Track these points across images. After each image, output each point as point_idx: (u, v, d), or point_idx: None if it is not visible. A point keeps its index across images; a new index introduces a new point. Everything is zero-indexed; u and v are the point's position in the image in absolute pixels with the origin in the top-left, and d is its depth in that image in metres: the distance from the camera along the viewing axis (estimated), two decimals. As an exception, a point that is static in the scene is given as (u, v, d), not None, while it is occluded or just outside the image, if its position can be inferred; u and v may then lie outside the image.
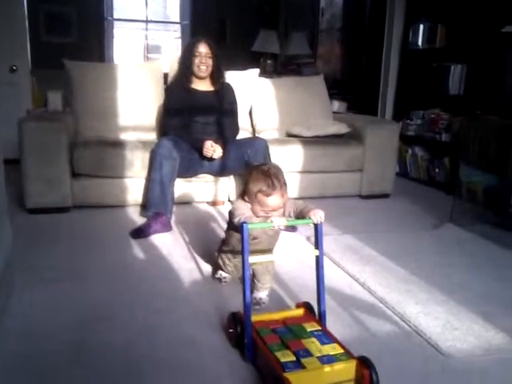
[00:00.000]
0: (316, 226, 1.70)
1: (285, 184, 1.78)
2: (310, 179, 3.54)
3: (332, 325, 1.87)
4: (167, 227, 2.85)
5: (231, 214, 1.84)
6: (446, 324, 1.85)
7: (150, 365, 1.58)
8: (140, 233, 2.75)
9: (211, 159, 3.03)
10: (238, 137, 3.28)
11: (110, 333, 1.76)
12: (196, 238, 2.79)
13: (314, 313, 1.77)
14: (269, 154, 3.03)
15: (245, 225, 1.60)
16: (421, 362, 1.64)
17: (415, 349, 1.72)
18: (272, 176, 1.75)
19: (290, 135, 3.75)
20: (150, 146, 3.07)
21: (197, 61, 3.15)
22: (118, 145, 3.23)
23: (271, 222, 1.66)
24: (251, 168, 1.86)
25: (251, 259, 1.63)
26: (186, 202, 3.35)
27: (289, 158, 3.42)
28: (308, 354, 1.48)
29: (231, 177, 3.35)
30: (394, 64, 4.79)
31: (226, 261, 2.14)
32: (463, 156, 3.69)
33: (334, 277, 2.32)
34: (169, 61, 3.75)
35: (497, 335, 1.80)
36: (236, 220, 1.75)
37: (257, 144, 3.03)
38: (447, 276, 2.34)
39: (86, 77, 3.55)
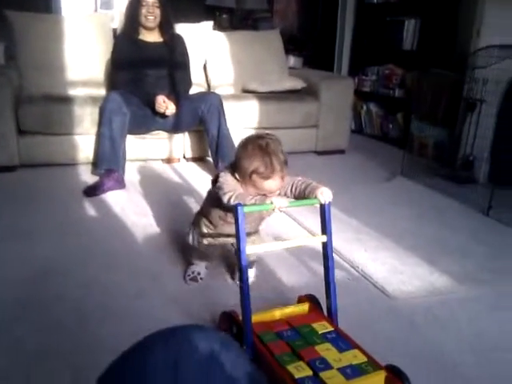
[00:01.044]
0: (323, 207, 1.43)
1: (285, 163, 1.46)
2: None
3: (284, 273, 1.92)
4: (120, 184, 2.80)
5: (218, 188, 1.49)
6: (393, 269, 1.94)
7: (104, 315, 1.58)
8: (93, 190, 2.69)
9: (164, 115, 2.96)
10: (192, 92, 3.21)
11: (60, 289, 1.74)
12: (151, 195, 2.76)
13: (320, 307, 1.53)
14: (223, 110, 2.99)
15: (239, 207, 1.30)
16: (368, 304, 1.71)
17: (363, 292, 1.79)
18: (272, 154, 1.41)
19: (245, 91, 3.70)
20: (100, 101, 2.96)
21: (144, 10, 3.03)
22: (66, 100, 3.11)
23: (271, 202, 1.36)
24: (245, 140, 1.49)
25: (250, 249, 1.36)
26: (139, 160, 3.29)
27: (244, 114, 3.39)
28: (326, 365, 1.22)
29: (186, 133, 3.29)
30: (349, 19, 4.76)
31: (204, 242, 1.76)
32: (415, 111, 3.76)
33: (287, 229, 2.37)
34: (118, 14, 3.59)
35: (440, 278, 1.89)
36: (225, 197, 1.44)
37: (210, 99, 2.98)
38: (396, 225, 2.43)
39: (30, 29, 3.35)
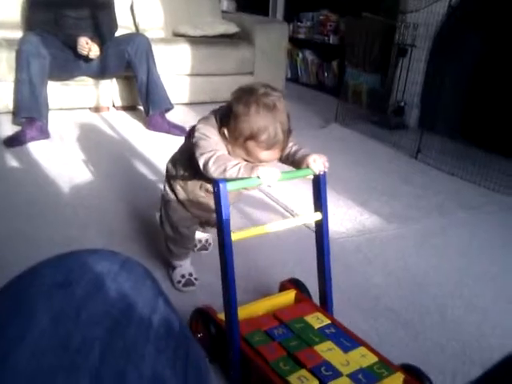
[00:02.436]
0: (317, 179, 1.19)
1: (289, 131, 1.19)
2: (201, 83, 3.41)
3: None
4: (44, 134, 2.63)
5: (195, 144, 1.18)
6: (325, 211, 1.96)
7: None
8: (14, 141, 2.51)
9: (88, 59, 2.77)
10: (117, 34, 3.01)
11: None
12: (78, 145, 2.61)
13: (308, 293, 1.34)
14: (152, 54, 2.83)
15: (221, 185, 1.02)
16: (302, 245, 1.73)
17: (296, 233, 1.80)
18: (278, 120, 1.13)
19: (176, 35, 3.53)
20: (16, 44, 2.72)
21: None
22: (-23, 43, 2.83)
23: (257, 176, 1.07)
24: (245, 91, 1.16)
25: (236, 235, 1.07)
26: (65, 109, 3.09)
27: (175, 59, 3.24)
28: (334, 371, 1.01)
29: (114, 80, 3.11)
30: (284, -38, 4.61)
31: (177, 217, 1.43)
32: (349, 58, 3.76)
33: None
34: None
35: (370, 218, 1.94)
36: (202, 159, 1.15)
37: (137, 41, 2.81)
38: (330, 170, 2.45)
39: None
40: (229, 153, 1.19)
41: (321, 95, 4.22)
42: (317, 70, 4.40)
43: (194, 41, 3.36)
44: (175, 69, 3.24)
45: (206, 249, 1.67)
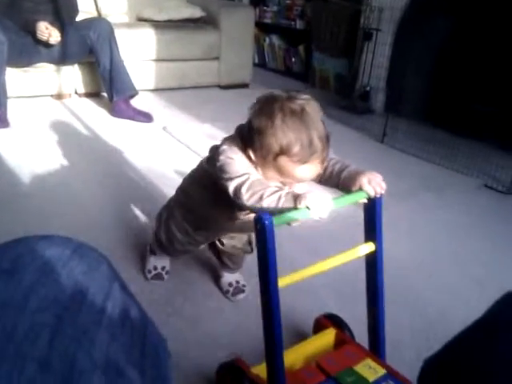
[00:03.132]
0: (372, 203, 0.99)
1: (327, 138, 0.98)
2: (167, 68, 3.34)
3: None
4: (3, 123, 2.53)
5: (219, 169, 1.00)
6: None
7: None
8: (-30, 131, 2.41)
9: (48, 44, 2.67)
10: (79, 19, 2.91)
11: None
12: (39, 134, 2.53)
13: (348, 331, 1.17)
14: (114, 39, 2.75)
15: (267, 222, 0.82)
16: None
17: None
18: (311, 126, 0.94)
19: (140, 19, 3.44)
20: (-30, 28, 2.60)
21: None
22: None
23: (306, 207, 0.86)
24: (267, 100, 0.98)
25: (283, 281, 0.88)
26: (25, 96, 2.98)
27: (140, 44, 3.16)
28: None
29: (76, 66, 3.02)
30: None
31: (178, 236, 1.29)
32: (315, 43, 3.75)
33: (189, 163, 2.30)
34: None
35: (338, 202, 1.95)
36: (232, 185, 0.96)
37: (99, 25, 2.73)
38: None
39: None
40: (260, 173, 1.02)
41: (289, 81, 4.21)
42: (284, 55, 4.38)
43: (159, 25, 3.29)
44: (140, 54, 3.16)
45: (243, 291, 1.40)
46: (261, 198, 0.90)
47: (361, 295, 1.09)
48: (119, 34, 2.85)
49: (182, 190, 1.28)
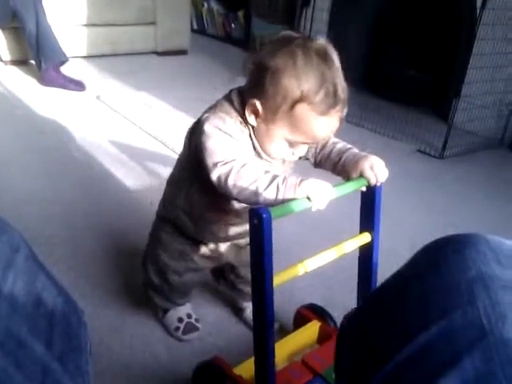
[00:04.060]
0: (371, 191, 0.90)
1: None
2: (98, 33, 3.18)
3: (124, 176, 1.83)
4: None
5: (202, 147, 0.84)
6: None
7: None
8: None
9: (-36, 6, 2.46)
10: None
11: None
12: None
13: (333, 323, 1.09)
14: (40, 4, 2.56)
15: (265, 216, 0.72)
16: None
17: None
18: (336, 72, 0.82)
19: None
20: None
21: None
22: None
23: (307, 197, 0.76)
24: (282, 40, 0.83)
25: (278, 279, 0.79)
26: None
27: (68, 8, 2.98)
28: None
29: (0, 31, 2.81)
30: None
31: (172, 265, 1.06)
32: (255, 8, 3.69)
33: (125, 132, 2.23)
34: None
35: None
36: (215, 173, 0.81)
37: (21, -14, 2.53)
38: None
39: None
40: (256, 151, 0.88)
41: (229, 47, 4.13)
42: (223, 20, 4.28)
43: (88, -13, 3.10)
44: (68, 18, 2.99)
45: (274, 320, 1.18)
46: (256, 192, 0.77)
47: (345, 283, 1.05)
48: (45, -4, 2.67)
49: (169, 182, 1.06)
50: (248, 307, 1.19)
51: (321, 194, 0.77)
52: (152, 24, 3.38)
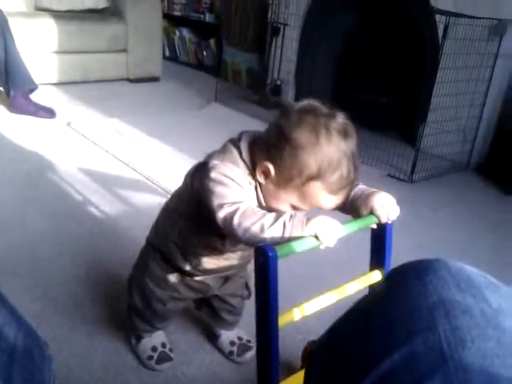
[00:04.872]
0: (382, 228, 0.90)
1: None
2: (69, 61, 3.18)
3: (96, 203, 1.80)
4: None
5: (208, 190, 0.83)
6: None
7: None
8: None
9: None
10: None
11: None
12: None
13: None
14: (8, 28, 2.55)
15: (271, 255, 0.72)
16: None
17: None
18: (353, 154, 0.82)
19: (39, 9, 3.24)
20: None
21: None
22: None
23: (315, 236, 0.76)
24: (306, 112, 0.82)
25: (284, 318, 0.78)
26: None
27: (39, 36, 2.98)
28: None
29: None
30: None
31: (158, 292, 1.05)
32: (226, 37, 3.75)
33: (97, 159, 2.21)
34: None
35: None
36: (221, 213, 0.80)
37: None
38: (210, 149, 2.44)
39: None
40: (259, 203, 0.87)
41: (201, 74, 4.17)
42: (195, 48, 4.33)
43: (60, 15, 3.11)
44: (39, 46, 2.98)
45: (250, 348, 1.18)
46: (261, 229, 0.76)
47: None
48: (15, 23, 2.66)
49: (164, 213, 1.05)
50: (223, 334, 1.19)
51: (329, 231, 0.76)
52: (124, 51, 3.40)
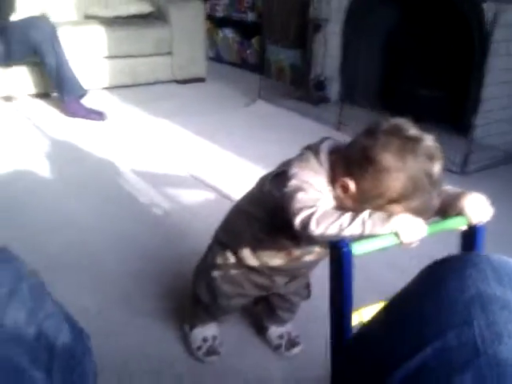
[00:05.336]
0: (473, 231, 0.83)
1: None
2: (119, 65, 3.28)
3: (149, 200, 1.86)
4: None
5: (287, 195, 0.83)
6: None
7: None
8: None
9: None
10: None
11: None
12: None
13: None
14: (57, 39, 2.67)
15: (345, 249, 0.71)
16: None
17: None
18: (439, 182, 0.80)
19: (88, 17, 3.36)
20: None
21: None
22: None
23: (395, 232, 0.74)
24: (393, 133, 0.81)
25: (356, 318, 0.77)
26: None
27: (88, 42, 3.09)
28: None
29: (24, 67, 2.91)
30: None
31: (225, 288, 1.07)
32: (268, 34, 3.76)
33: (146, 159, 2.28)
34: None
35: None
36: (298, 219, 0.80)
37: (40, 26, 2.65)
38: (256, 147, 2.46)
39: None
40: (334, 197, 0.85)
41: (245, 73, 4.19)
42: (238, 47, 4.36)
43: (107, 22, 3.22)
44: (90, 52, 3.10)
45: (298, 343, 1.19)
46: (340, 229, 0.76)
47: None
48: (66, 32, 2.79)
49: (228, 223, 1.08)
50: (273, 327, 1.21)
51: (411, 230, 0.74)
52: (169, 54, 3.47)
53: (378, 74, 3.18)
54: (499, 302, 0.41)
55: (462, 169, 2.25)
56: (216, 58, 4.47)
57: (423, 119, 2.93)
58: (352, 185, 0.81)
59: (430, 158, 0.78)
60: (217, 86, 3.66)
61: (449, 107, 2.81)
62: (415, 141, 0.79)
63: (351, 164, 0.82)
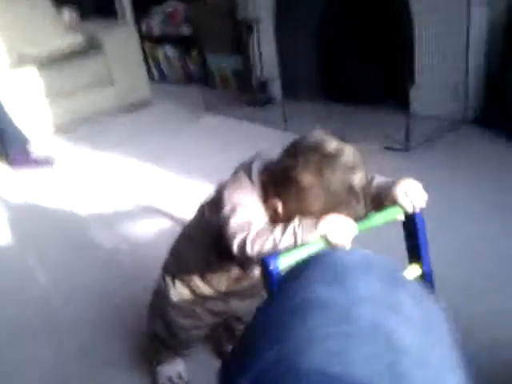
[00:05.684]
0: (411, 219, 0.85)
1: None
2: (60, 104, 3.22)
3: (97, 248, 1.83)
4: None
5: (223, 223, 0.85)
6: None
7: None
8: None
9: None
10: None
11: None
12: None
13: None
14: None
15: (272, 261, 0.73)
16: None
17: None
18: (360, 193, 0.82)
19: (21, 58, 3.29)
20: None
21: None
22: None
23: (325, 237, 0.76)
24: (311, 152, 0.83)
25: None
26: None
27: (25, 85, 3.05)
28: None
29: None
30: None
31: (181, 322, 1.07)
32: (206, 45, 3.75)
33: (97, 200, 2.25)
34: None
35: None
36: (235, 242, 0.82)
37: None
38: (205, 162, 2.45)
39: None
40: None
41: (191, 88, 4.14)
42: (181, 63, 4.34)
43: (42, 61, 3.15)
44: (27, 95, 3.05)
45: None
46: (274, 244, 0.77)
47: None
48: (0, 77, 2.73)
49: (179, 245, 1.07)
50: None
51: (339, 231, 0.75)
52: (110, 84, 3.43)
53: (317, 65, 3.19)
54: (318, 303, 0.39)
55: (405, 145, 2.27)
56: (161, 78, 4.44)
57: (367, 101, 2.96)
58: (280, 206, 0.84)
59: (349, 170, 0.80)
60: (163, 107, 3.64)
61: (389, 86, 2.84)
62: (332, 156, 0.81)
63: (277, 184, 0.85)
